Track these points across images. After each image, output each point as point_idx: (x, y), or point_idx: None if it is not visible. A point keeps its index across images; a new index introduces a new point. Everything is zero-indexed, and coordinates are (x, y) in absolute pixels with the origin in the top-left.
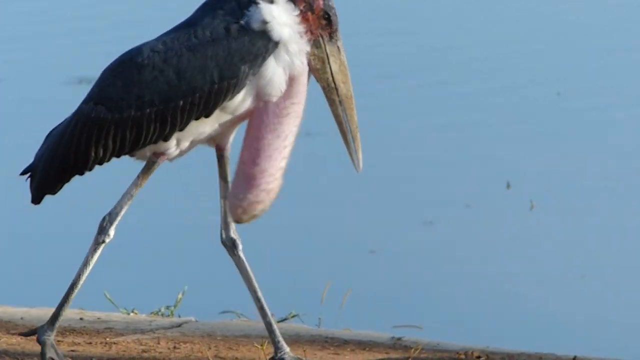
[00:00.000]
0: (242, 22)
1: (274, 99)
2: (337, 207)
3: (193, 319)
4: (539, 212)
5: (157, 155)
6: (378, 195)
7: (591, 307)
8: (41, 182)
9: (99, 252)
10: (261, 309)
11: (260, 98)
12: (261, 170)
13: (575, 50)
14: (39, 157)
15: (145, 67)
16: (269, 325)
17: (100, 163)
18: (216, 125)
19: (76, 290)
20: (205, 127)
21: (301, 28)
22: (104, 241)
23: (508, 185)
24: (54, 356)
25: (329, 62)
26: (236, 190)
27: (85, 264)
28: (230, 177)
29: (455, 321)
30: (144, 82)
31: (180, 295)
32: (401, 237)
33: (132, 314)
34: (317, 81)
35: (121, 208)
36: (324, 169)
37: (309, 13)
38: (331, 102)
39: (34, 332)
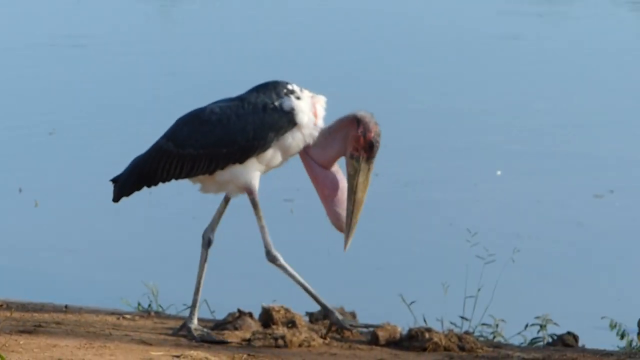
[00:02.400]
0: (276, 104)
1: (307, 158)
2: None
3: None
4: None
5: (249, 192)
6: None
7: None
8: (122, 187)
9: (289, 267)
10: (199, 278)
11: (285, 156)
12: (342, 189)
13: None
14: (123, 171)
15: (205, 122)
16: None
17: (164, 181)
18: (256, 170)
19: (309, 286)
20: (245, 170)
21: (313, 117)
22: (279, 260)
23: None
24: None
25: (359, 174)
26: (335, 213)
27: (292, 275)
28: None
29: None
30: (202, 132)
31: None
32: None
33: None
34: (347, 182)
35: (267, 237)
36: None
37: (362, 137)
38: (348, 199)
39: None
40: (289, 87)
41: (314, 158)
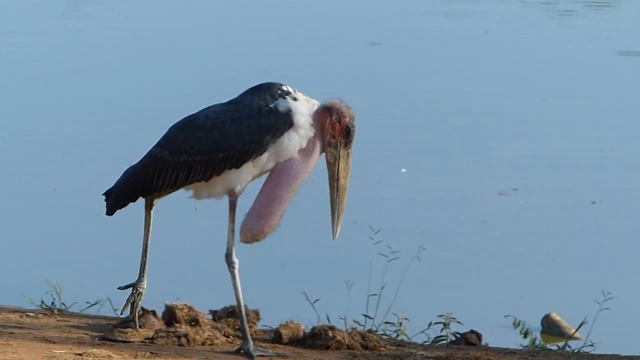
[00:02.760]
0: (271, 106)
1: (289, 163)
2: None
3: None
4: None
5: (231, 194)
6: None
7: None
8: (116, 200)
9: (237, 277)
10: (144, 255)
11: (278, 160)
12: (271, 211)
13: None
14: (116, 183)
15: (200, 128)
16: (142, 264)
17: (159, 191)
18: (249, 175)
19: (243, 309)
20: (240, 175)
21: (312, 119)
22: (234, 268)
23: None
24: (261, 352)
25: (338, 161)
26: (249, 221)
27: (235, 288)
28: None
29: None
30: (197, 137)
31: None
32: None
33: None
34: (327, 170)
35: (231, 241)
36: None
37: (337, 124)
38: (331, 187)
39: (240, 348)
40: (284, 88)
41: (295, 166)
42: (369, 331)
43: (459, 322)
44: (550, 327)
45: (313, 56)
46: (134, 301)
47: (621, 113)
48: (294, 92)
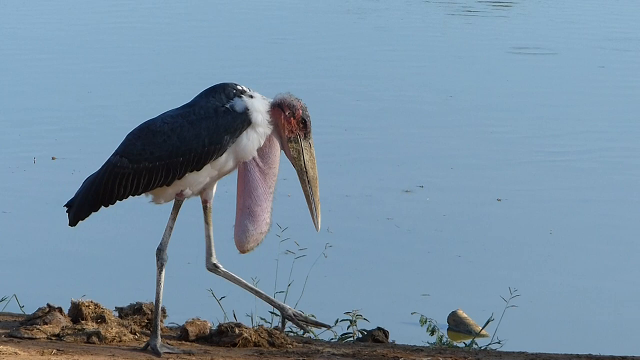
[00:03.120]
0: (227, 106)
1: (254, 161)
2: None
3: None
4: None
5: (179, 195)
6: None
7: None
8: (78, 210)
9: (163, 272)
10: (258, 294)
11: (238, 160)
12: (263, 209)
13: None
14: (77, 194)
15: (158, 133)
16: (266, 299)
17: (121, 199)
18: (207, 177)
19: (160, 305)
20: (198, 177)
21: (269, 116)
22: (163, 264)
23: None
24: (167, 349)
25: (302, 154)
26: (244, 227)
27: (158, 283)
28: (211, 222)
29: None
30: (156, 143)
31: None
32: None
33: None
34: (293, 166)
35: (167, 238)
36: None
37: (292, 118)
38: (302, 181)
39: (148, 344)
40: (238, 87)
41: (261, 163)
42: (276, 328)
43: (365, 319)
44: (457, 324)
45: (212, 55)
46: (302, 322)
47: (524, 111)
48: (249, 90)
